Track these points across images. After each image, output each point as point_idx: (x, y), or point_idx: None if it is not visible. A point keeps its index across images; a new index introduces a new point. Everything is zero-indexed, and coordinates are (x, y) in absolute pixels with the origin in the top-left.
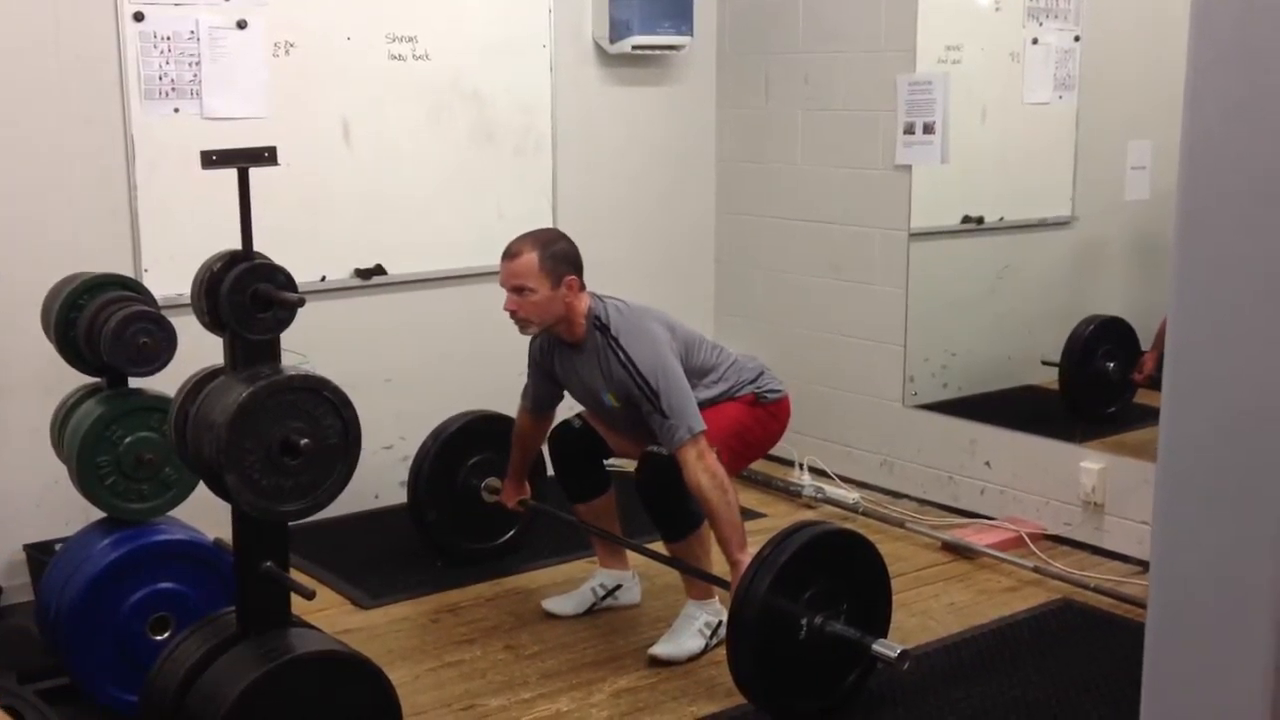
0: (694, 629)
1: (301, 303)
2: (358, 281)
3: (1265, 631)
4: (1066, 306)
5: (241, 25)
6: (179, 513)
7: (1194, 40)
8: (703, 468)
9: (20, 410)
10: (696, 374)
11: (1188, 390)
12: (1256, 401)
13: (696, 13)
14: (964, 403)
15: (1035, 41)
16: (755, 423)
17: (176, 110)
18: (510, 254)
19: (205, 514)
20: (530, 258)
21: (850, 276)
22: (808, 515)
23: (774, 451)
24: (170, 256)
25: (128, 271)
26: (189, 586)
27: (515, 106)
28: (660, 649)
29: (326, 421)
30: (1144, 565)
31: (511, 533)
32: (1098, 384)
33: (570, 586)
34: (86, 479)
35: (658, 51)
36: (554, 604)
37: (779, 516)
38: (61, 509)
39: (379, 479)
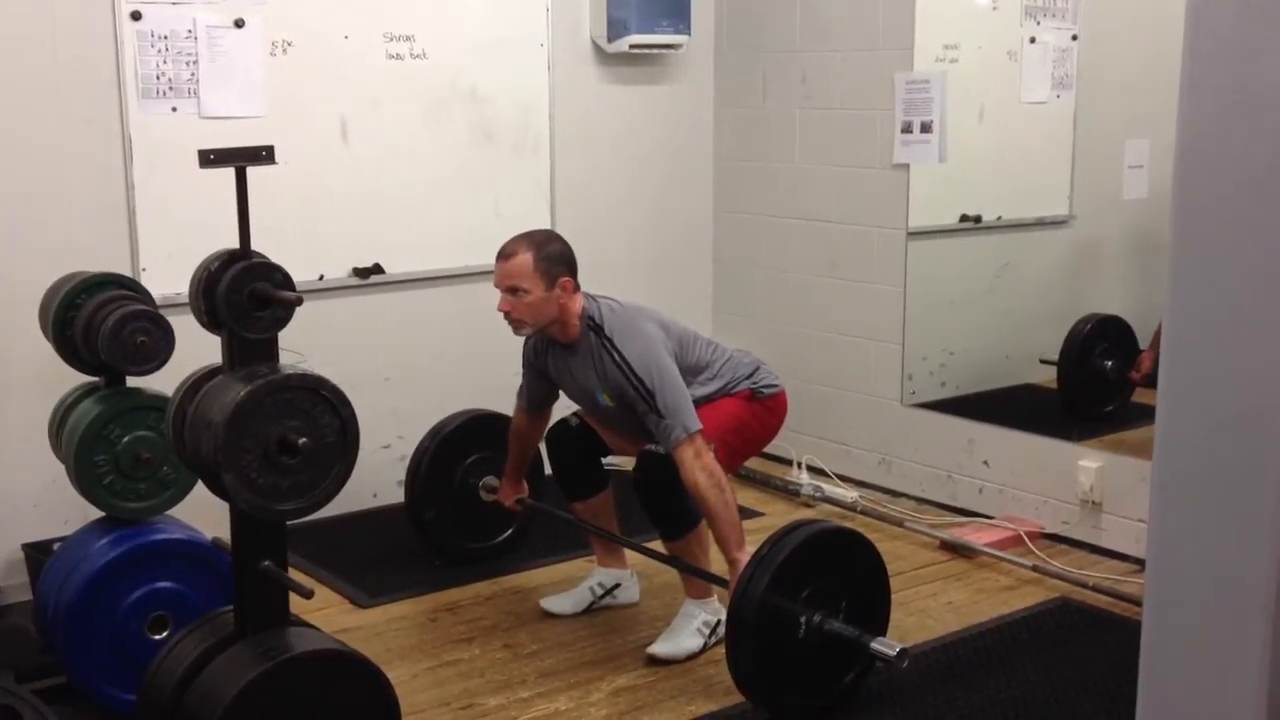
0: (692, 628)
1: (299, 302)
2: (356, 280)
3: (1261, 629)
4: (1064, 305)
5: (239, 24)
6: (177, 512)
7: (1190, 36)
8: (700, 466)
9: (18, 409)
10: (692, 371)
11: (1184, 389)
12: (1252, 400)
13: (694, 12)
14: (962, 401)
15: (1033, 40)
16: (752, 418)
17: (174, 109)
18: (505, 255)
19: (203, 513)
20: (525, 259)
21: (848, 275)
22: (806, 514)
23: (772, 450)
24: (168, 255)
25: (125, 270)
26: (187, 586)
27: (513, 105)
28: (659, 648)
29: (324, 420)
30: (1142, 564)
31: (509, 532)
32: (1096, 382)
33: (568, 585)
34: (84, 478)
35: (655, 50)
36: (552, 603)
37: (777, 515)
38: (59, 508)
39: (377, 478)
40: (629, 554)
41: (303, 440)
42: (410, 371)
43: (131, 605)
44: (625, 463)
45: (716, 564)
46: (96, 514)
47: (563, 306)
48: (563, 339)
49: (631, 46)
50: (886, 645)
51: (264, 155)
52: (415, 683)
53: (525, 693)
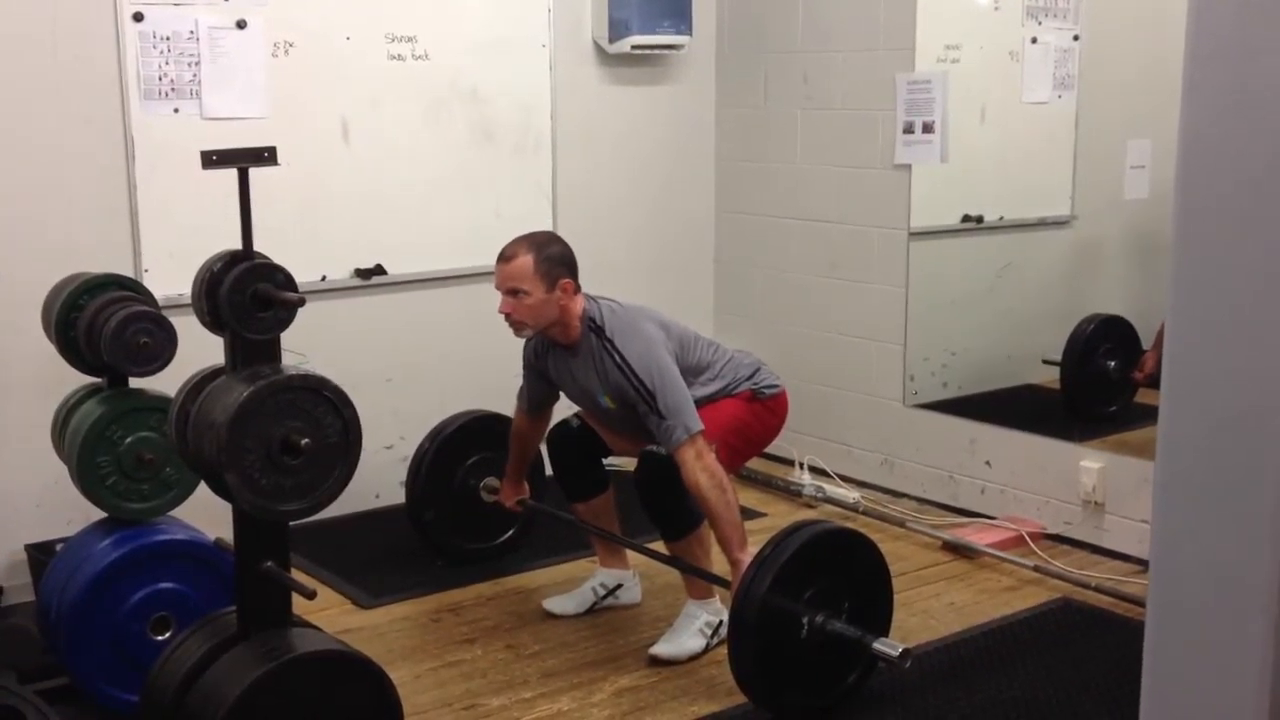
0: (694, 628)
1: (302, 302)
2: (358, 281)
3: (1265, 630)
4: (1066, 305)
5: (241, 25)
6: (180, 512)
7: (1191, 36)
8: (701, 467)
9: (21, 410)
10: (692, 372)
11: (1186, 388)
12: (1255, 400)
13: (695, 12)
14: (964, 402)
15: (1034, 40)
16: (753, 419)
17: (176, 110)
18: (505, 257)
19: (206, 514)
20: (525, 260)
21: (850, 276)
22: (808, 515)
23: (774, 451)
24: (170, 256)
25: (128, 272)
26: (189, 586)
27: (515, 106)
28: (661, 648)
29: (327, 421)
30: (1144, 564)
31: (510, 532)
32: (1099, 383)
33: (571, 586)
34: (87, 479)
35: (657, 51)
36: (555, 603)
37: (779, 516)
38: (62, 509)
39: (379, 479)
40: (631, 554)
41: (305, 441)
42: (412, 372)
43: (134, 606)
44: (626, 463)
45: (717, 564)
46: (99, 515)
47: (563, 308)
48: (563, 340)
49: (633, 47)
50: (889, 646)
51: (266, 156)
52: (417, 683)
53: (528, 693)
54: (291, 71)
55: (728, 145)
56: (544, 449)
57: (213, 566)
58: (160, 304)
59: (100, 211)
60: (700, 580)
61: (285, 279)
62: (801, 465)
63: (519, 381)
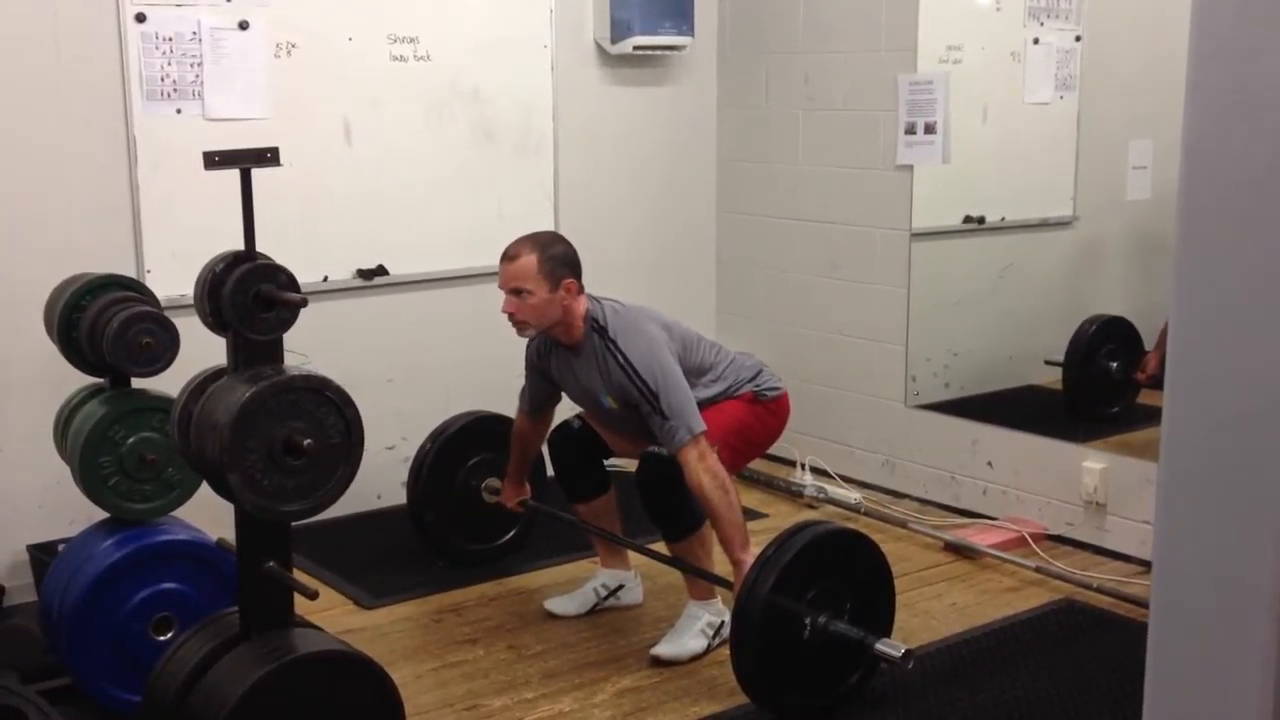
0: (696, 629)
1: (304, 303)
2: (359, 281)
3: (1268, 631)
4: (1068, 306)
5: (243, 26)
6: (182, 513)
7: (1194, 33)
8: (704, 468)
9: (23, 410)
10: (695, 373)
11: (1189, 389)
12: (1259, 400)
13: (697, 13)
14: (966, 402)
15: (1036, 41)
16: (755, 420)
17: (178, 111)
18: (509, 256)
19: (208, 514)
20: (529, 260)
21: (852, 276)
22: (810, 515)
23: (775, 451)
24: (172, 257)
25: (130, 272)
26: (191, 587)
27: (516, 107)
28: (662, 649)
29: (329, 422)
30: (1146, 565)
31: (511, 533)
32: (1101, 383)
33: (572, 586)
34: (89, 479)
35: (658, 52)
36: (556, 604)
37: (781, 517)
38: (64, 509)
39: (381, 479)
40: (632, 555)
41: (307, 441)
42: (414, 373)
43: (136, 606)
44: (627, 464)
45: (719, 565)
46: (101, 515)
47: (566, 308)
48: (566, 341)
49: (635, 48)
50: (891, 646)
51: (269, 157)
52: (419, 684)
53: (529, 694)
54: (293, 72)
55: (729, 146)
56: (545, 450)
57: (214, 567)
58: (162, 304)
59: (102, 212)
60: (702, 581)
61: (288, 279)
62: (803, 466)
63: (521, 382)
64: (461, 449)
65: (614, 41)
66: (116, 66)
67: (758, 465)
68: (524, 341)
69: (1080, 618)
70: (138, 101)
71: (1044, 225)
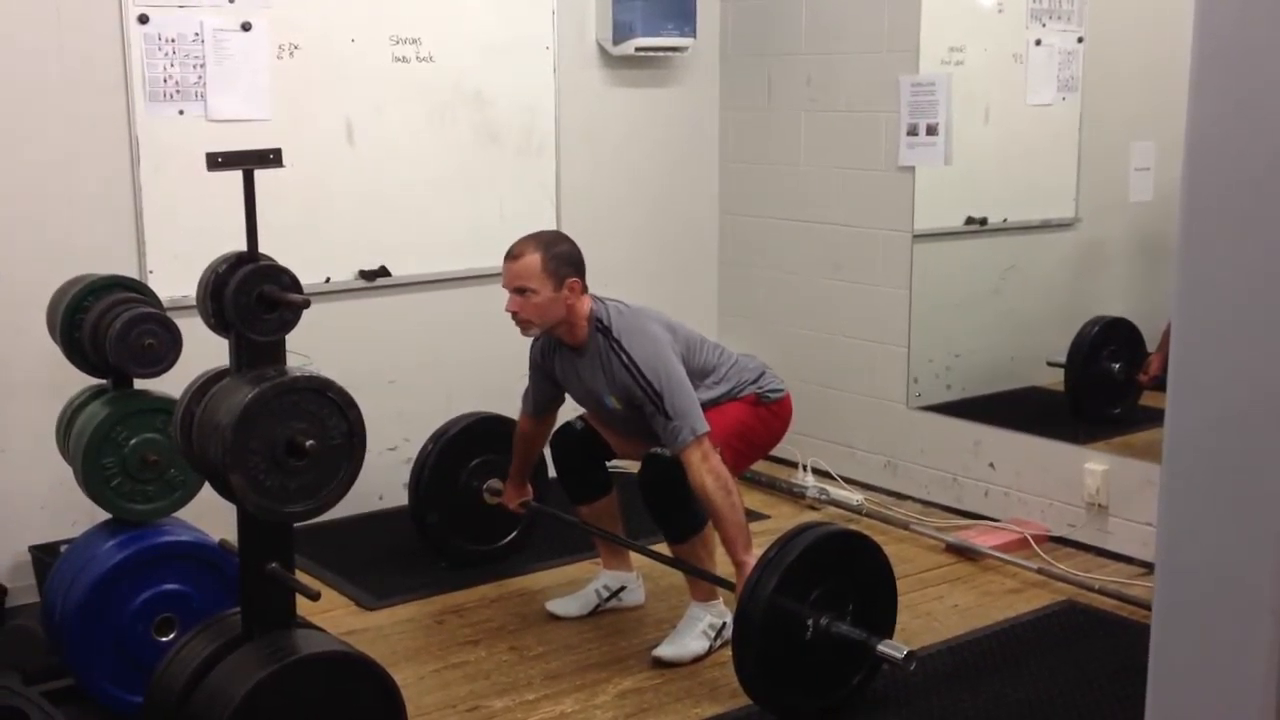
0: (698, 630)
1: (307, 304)
2: (361, 283)
3: (1269, 633)
4: (1070, 308)
5: (246, 27)
6: (184, 514)
7: (1197, 34)
8: (707, 469)
9: (25, 411)
10: (698, 375)
11: (1192, 390)
12: (1261, 401)
13: (699, 14)
14: (968, 404)
15: (1038, 43)
16: (758, 422)
17: (181, 112)
18: (513, 255)
19: (210, 515)
20: (533, 259)
21: (854, 278)
22: (812, 517)
23: (777, 453)
24: (175, 258)
25: (133, 273)
26: (194, 588)
27: (519, 108)
28: (664, 651)
29: (331, 423)
30: (1148, 567)
31: (513, 534)
32: (1103, 384)
33: (574, 588)
34: (92, 480)
35: (661, 53)
36: (558, 605)
37: (783, 518)
38: (67, 510)
39: (383, 480)
40: (635, 556)
41: (310, 442)
42: (416, 374)
43: (138, 607)
44: (629, 466)
45: (721, 567)
46: (104, 516)
47: (570, 307)
48: (570, 340)
49: (637, 49)
50: (894, 648)
51: (272, 158)
52: (421, 685)
53: (531, 695)
54: (296, 73)
55: (731, 147)
56: (547, 451)
57: (216, 568)
58: (165, 305)
59: (105, 213)
60: (704, 582)
61: (290, 280)
62: (805, 467)
63: (523, 383)
64: (463, 450)
65: (616, 43)
66: (119, 67)
67: (760, 467)
68: (526, 343)
69: (1082, 619)
70: (140, 102)
71: (1046, 227)
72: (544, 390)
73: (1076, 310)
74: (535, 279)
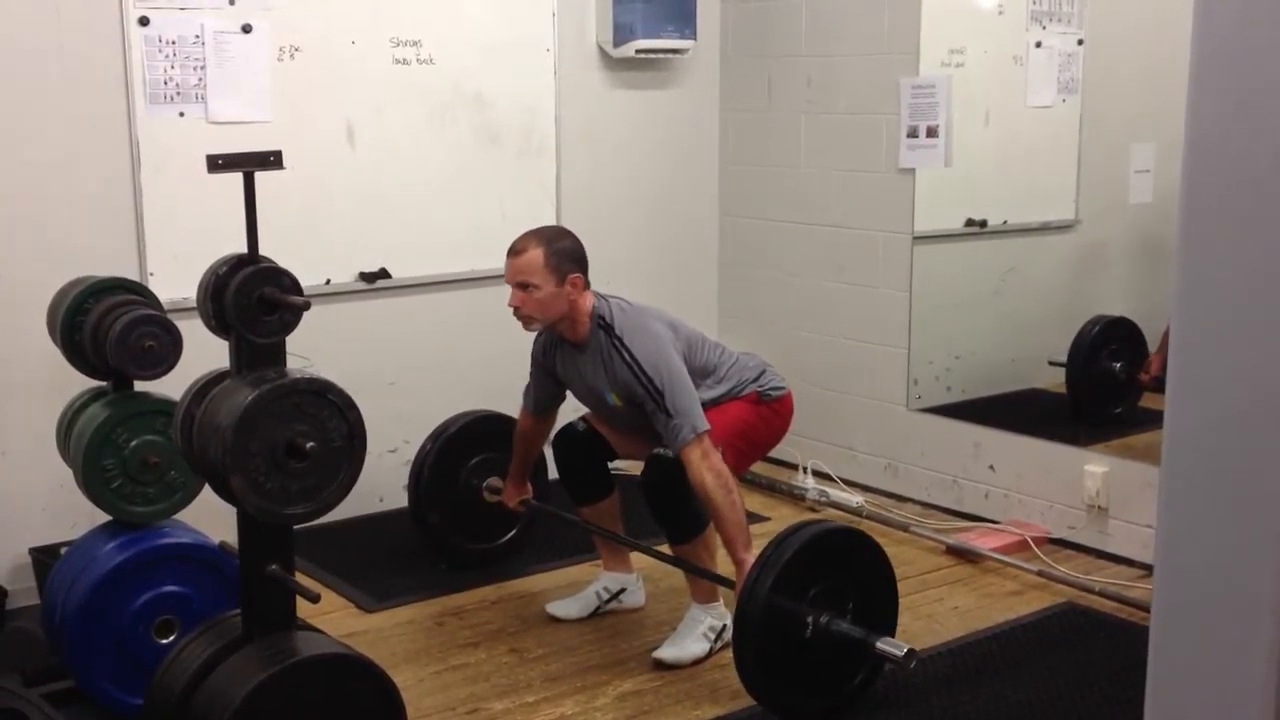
0: (698, 632)
1: (307, 306)
2: (362, 284)
3: (1270, 635)
4: (1070, 310)
5: (246, 29)
6: (184, 516)
7: (1197, 35)
8: (707, 467)
9: (26, 413)
10: (699, 374)
11: (1192, 391)
12: (1261, 401)
13: (700, 16)
14: (968, 406)
15: (1038, 45)
16: (759, 421)
17: (182, 114)
18: (515, 250)
19: (210, 517)
20: (535, 254)
21: (854, 279)
22: (811, 518)
23: (777, 455)
24: (175, 260)
25: (133, 275)
26: (194, 589)
27: (519, 110)
28: (665, 652)
29: (331, 424)
30: (1148, 569)
31: (512, 533)
32: (1105, 383)
33: (574, 589)
34: (92, 482)
35: (661, 55)
36: (558, 607)
37: (783, 520)
38: (67, 512)
39: (383, 482)
40: (635, 558)
41: (310, 444)
42: (416, 375)
43: (138, 609)
44: (631, 467)
45: (723, 569)
46: (104, 518)
47: (572, 303)
48: (572, 337)
49: (637, 51)
50: (894, 646)
51: (272, 160)
52: (421, 687)
53: (531, 697)
54: (297, 75)
55: (731, 149)
56: (549, 452)
57: (217, 570)
58: (165, 307)
59: (106, 215)
60: (704, 584)
61: (291, 282)
62: (805, 469)
63: (523, 384)
64: (463, 448)
65: (616, 45)
66: (120, 69)
67: (760, 468)
68: (527, 345)
69: (1082, 621)
70: (141, 104)
71: (1046, 229)
72: (545, 387)
73: (1076, 312)
74: (537, 274)
